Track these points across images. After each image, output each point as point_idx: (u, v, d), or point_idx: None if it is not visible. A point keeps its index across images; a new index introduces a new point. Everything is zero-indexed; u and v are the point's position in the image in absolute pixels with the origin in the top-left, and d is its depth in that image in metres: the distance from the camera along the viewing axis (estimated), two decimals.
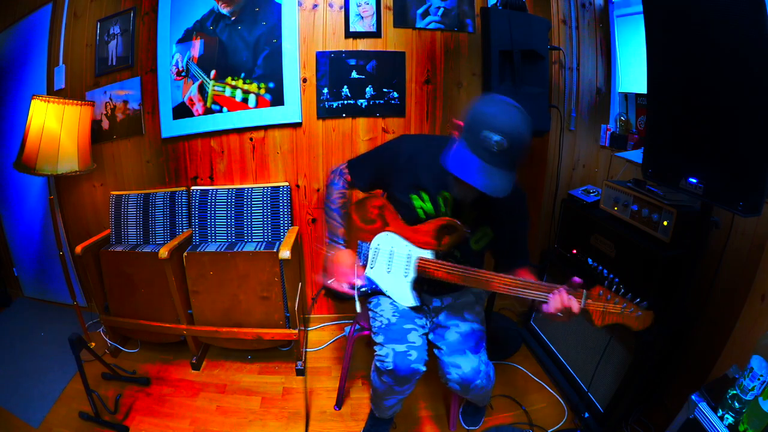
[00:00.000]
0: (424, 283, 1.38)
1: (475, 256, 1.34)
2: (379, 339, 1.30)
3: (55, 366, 1.90)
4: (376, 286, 1.39)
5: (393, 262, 1.36)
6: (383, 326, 1.31)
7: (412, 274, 1.33)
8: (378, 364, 1.27)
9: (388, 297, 1.38)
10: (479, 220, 1.28)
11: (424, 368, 1.25)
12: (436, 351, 1.33)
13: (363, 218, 1.44)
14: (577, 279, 1.05)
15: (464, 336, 1.33)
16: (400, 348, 1.24)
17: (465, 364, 1.25)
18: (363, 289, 1.38)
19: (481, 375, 1.27)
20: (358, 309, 1.33)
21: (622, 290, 1.05)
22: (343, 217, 1.41)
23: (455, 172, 1.03)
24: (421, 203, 1.31)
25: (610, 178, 1.86)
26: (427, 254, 1.30)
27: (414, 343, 1.26)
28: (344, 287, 1.33)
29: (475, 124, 1.04)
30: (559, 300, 1.05)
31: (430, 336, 1.38)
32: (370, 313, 1.39)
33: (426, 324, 1.38)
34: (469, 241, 1.30)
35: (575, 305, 1.04)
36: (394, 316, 1.32)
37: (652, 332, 1.33)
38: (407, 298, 1.35)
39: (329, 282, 1.37)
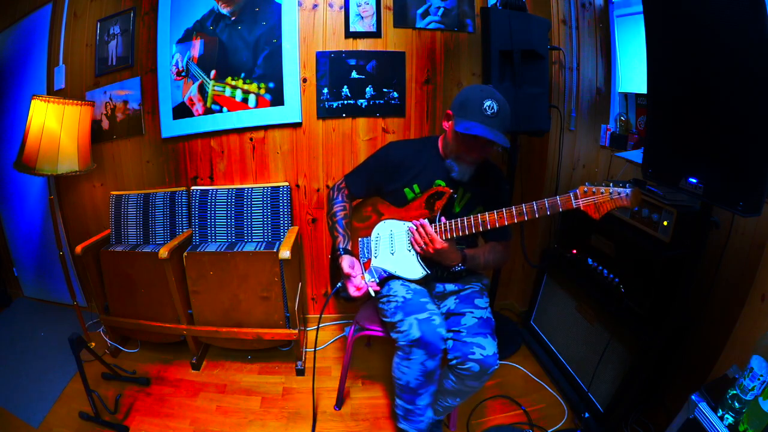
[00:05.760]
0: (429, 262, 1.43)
1: (468, 241, 1.47)
2: (398, 317, 1.31)
3: (55, 366, 1.91)
4: (385, 272, 1.43)
5: (394, 242, 1.44)
6: (400, 304, 1.34)
7: None
8: (402, 341, 1.28)
9: (399, 278, 1.42)
10: (472, 203, 1.45)
11: (446, 336, 1.29)
12: (451, 335, 1.34)
13: (359, 219, 1.57)
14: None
15: (482, 321, 1.35)
16: (423, 315, 1.27)
17: (489, 347, 1.27)
18: (372, 279, 1.41)
19: (497, 364, 1.28)
20: (372, 294, 1.41)
21: (604, 183, 1.13)
22: (346, 227, 1.50)
23: (468, 132, 1.23)
24: (413, 193, 1.45)
25: (610, 178, 1.86)
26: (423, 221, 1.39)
27: (434, 311, 1.30)
28: (353, 292, 1.40)
29: (468, 100, 1.29)
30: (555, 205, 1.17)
31: None
32: (383, 299, 1.42)
33: (436, 306, 1.40)
34: (454, 205, 1.44)
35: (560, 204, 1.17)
36: (408, 293, 1.36)
37: (651, 332, 1.34)
38: (416, 270, 1.40)
39: (339, 285, 1.44)
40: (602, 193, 1.11)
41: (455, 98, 1.34)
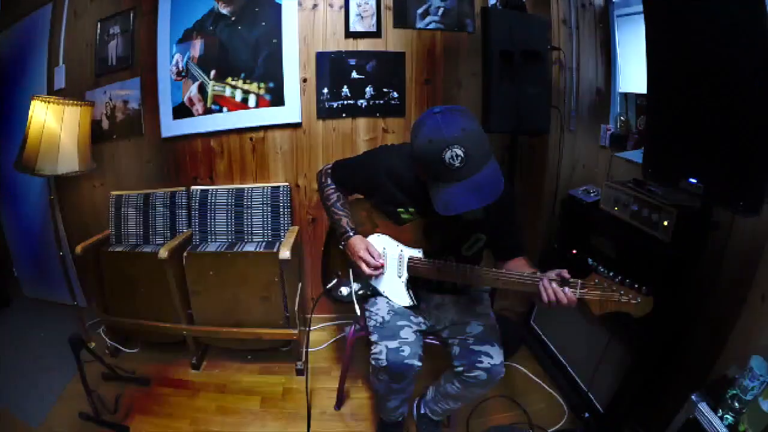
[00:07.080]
0: (421, 281, 1.37)
1: (470, 260, 1.31)
2: (374, 338, 1.30)
3: (55, 366, 1.90)
4: (374, 286, 1.40)
5: (386, 262, 1.35)
6: (377, 324, 1.32)
7: (405, 274, 1.34)
8: (373, 362, 1.27)
9: (385, 297, 1.39)
10: (470, 226, 1.27)
11: (418, 363, 1.25)
12: (457, 341, 1.32)
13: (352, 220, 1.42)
14: (565, 274, 1.04)
15: (488, 329, 1.33)
16: (393, 344, 1.25)
17: (496, 356, 1.25)
18: (360, 292, 1.39)
19: (503, 373, 1.26)
20: (358, 312, 1.37)
21: (619, 277, 1.00)
22: (344, 207, 1.37)
23: (449, 212, 0.97)
24: (408, 215, 1.32)
25: (610, 178, 1.86)
26: (417, 253, 1.31)
27: (406, 339, 1.26)
28: (367, 270, 1.28)
29: (423, 160, 1.00)
30: (545, 295, 1.04)
31: (445, 333, 1.37)
32: (367, 313, 1.40)
33: (421, 323, 1.38)
34: (461, 247, 1.30)
35: (563, 298, 1.02)
36: (388, 314, 1.33)
37: (651, 332, 1.34)
38: (403, 299, 1.36)
39: (334, 281, 1.39)
40: (613, 289, 0.99)
41: (414, 147, 1.04)
